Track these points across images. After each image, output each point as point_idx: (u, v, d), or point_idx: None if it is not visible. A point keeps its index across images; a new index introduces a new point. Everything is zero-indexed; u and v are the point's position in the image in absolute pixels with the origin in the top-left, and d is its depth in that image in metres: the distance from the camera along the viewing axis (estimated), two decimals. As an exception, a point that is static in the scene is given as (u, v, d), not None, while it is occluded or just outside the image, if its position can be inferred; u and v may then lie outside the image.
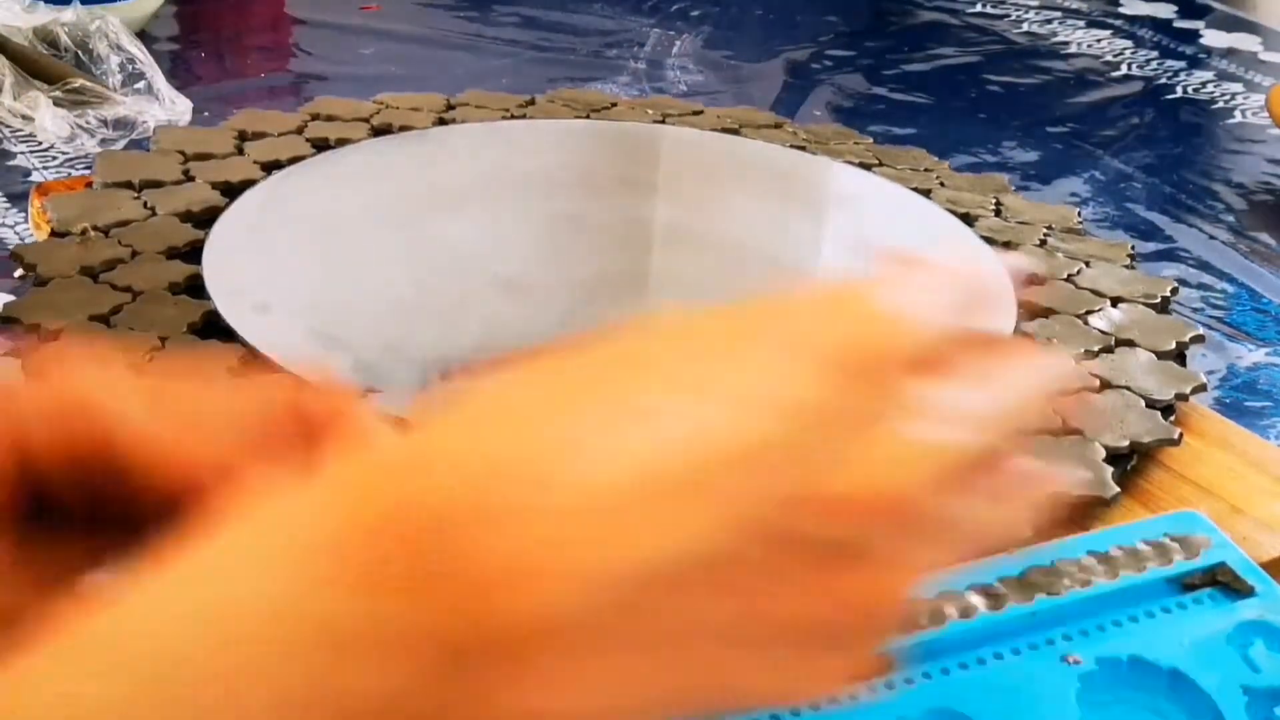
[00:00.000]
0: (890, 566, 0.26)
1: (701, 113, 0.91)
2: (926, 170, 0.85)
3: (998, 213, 0.81)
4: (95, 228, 0.69)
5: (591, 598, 0.24)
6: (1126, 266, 0.76)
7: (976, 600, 0.41)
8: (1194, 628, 0.41)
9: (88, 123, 0.91)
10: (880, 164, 0.86)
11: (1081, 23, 1.30)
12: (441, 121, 0.85)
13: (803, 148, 0.87)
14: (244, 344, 0.61)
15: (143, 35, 1.11)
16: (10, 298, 0.68)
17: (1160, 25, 1.31)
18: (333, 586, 0.24)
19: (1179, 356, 0.68)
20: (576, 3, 1.26)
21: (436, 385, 0.63)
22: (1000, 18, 1.30)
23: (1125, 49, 1.25)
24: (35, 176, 0.88)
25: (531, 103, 0.90)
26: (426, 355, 0.65)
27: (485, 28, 1.20)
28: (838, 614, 0.25)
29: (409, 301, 0.69)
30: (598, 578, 0.24)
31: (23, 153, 0.91)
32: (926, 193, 0.82)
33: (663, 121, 0.89)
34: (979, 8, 1.32)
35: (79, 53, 0.96)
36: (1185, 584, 0.44)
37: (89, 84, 0.93)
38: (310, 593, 0.24)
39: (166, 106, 0.95)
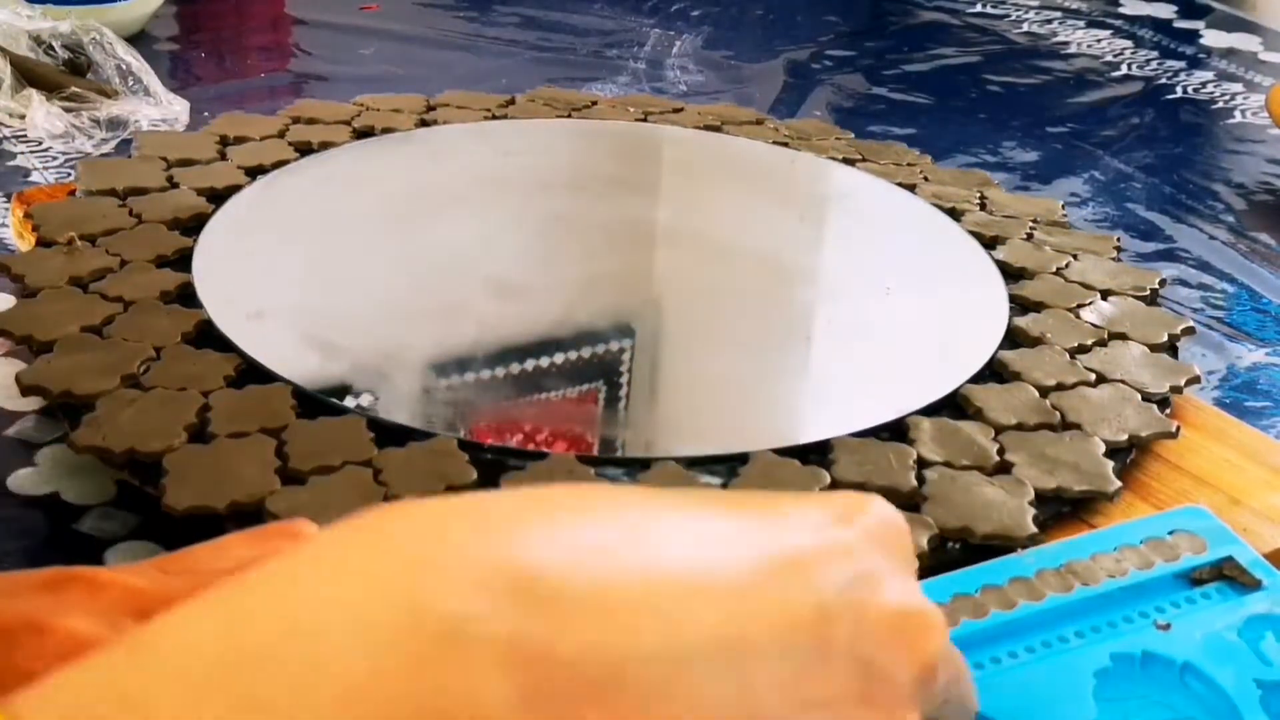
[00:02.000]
0: None
1: (682, 110, 0.92)
2: (909, 165, 0.86)
3: (983, 207, 0.81)
4: (82, 236, 0.69)
5: None
6: (1113, 259, 0.76)
7: (989, 600, 0.41)
8: (1205, 623, 0.41)
9: (83, 123, 0.91)
10: (863, 159, 0.86)
11: (1081, 23, 1.30)
12: (423, 123, 0.85)
13: (785, 144, 0.87)
14: (240, 352, 0.61)
15: (142, 35, 1.11)
16: (11, 299, 0.67)
17: (1160, 25, 1.31)
18: None
19: (1170, 349, 0.68)
20: (576, 3, 1.26)
21: (435, 390, 0.63)
22: (1000, 18, 1.30)
23: (1125, 49, 1.25)
24: (35, 177, 0.88)
25: (512, 102, 0.90)
26: (423, 359, 0.65)
27: (485, 28, 1.20)
28: None
29: (403, 305, 0.69)
30: None
31: (22, 153, 0.91)
32: (911, 188, 0.82)
33: (644, 120, 0.89)
34: (979, 8, 1.32)
35: (74, 60, 0.96)
36: (1194, 579, 0.44)
37: (84, 90, 0.93)
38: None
39: (163, 107, 0.95)
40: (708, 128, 0.88)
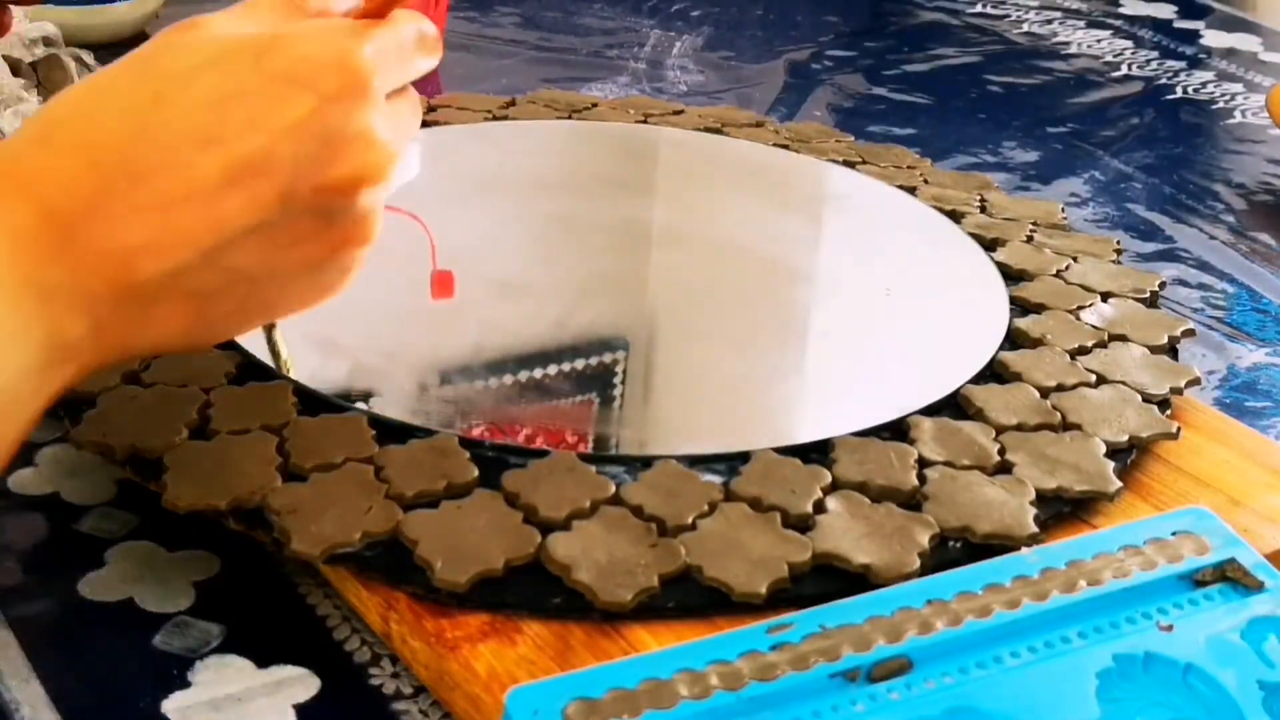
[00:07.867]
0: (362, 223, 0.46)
1: (683, 112, 0.92)
2: (909, 168, 0.86)
3: (983, 209, 0.81)
4: None
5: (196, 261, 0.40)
6: (1113, 261, 0.77)
7: (992, 599, 0.41)
8: (1207, 624, 0.41)
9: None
10: (864, 162, 0.86)
11: (1081, 23, 1.30)
12: (424, 124, 0.85)
13: (786, 146, 0.87)
14: (240, 350, 0.61)
15: (143, 35, 1.11)
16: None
17: (1160, 25, 1.31)
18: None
19: (1171, 350, 0.69)
20: (576, 3, 1.26)
21: (435, 389, 0.63)
22: (1000, 18, 1.30)
23: (1125, 49, 1.25)
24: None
25: (512, 104, 0.90)
26: (424, 359, 0.65)
27: (485, 28, 1.20)
28: (335, 250, 0.45)
29: (404, 305, 0.69)
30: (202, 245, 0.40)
31: (22, 152, 0.90)
32: (911, 190, 0.83)
33: (644, 121, 0.89)
34: (979, 8, 1.32)
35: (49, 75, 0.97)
36: (1197, 580, 0.44)
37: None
38: None
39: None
40: (708, 130, 0.88)
